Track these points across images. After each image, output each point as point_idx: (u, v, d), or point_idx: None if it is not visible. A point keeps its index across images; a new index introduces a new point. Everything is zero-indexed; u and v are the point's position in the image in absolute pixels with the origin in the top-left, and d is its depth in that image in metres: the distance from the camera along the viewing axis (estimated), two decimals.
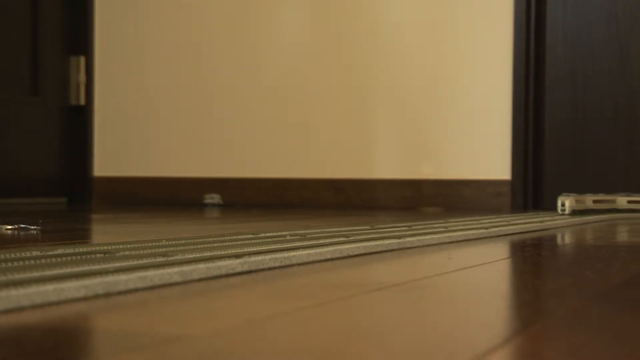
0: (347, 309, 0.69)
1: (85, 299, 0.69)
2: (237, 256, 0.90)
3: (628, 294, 0.80)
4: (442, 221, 1.78)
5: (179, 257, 0.89)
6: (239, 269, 0.87)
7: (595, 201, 2.36)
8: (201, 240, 1.11)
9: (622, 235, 1.68)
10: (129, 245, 1.01)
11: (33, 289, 0.66)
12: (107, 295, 0.71)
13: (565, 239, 1.54)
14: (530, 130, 2.73)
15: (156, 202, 3.04)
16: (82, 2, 3.14)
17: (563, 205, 2.22)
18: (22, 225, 1.43)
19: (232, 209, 2.77)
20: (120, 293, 0.72)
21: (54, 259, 0.85)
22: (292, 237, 1.19)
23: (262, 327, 0.60)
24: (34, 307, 0.65)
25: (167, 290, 0.76)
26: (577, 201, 2.28)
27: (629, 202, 2.43)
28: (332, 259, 1.03)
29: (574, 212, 2.23)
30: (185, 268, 0.81)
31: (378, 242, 1.15)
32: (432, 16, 2.81)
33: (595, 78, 2.73)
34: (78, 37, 3.15)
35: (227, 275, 0.85)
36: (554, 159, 2.75)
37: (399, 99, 2.83)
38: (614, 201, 2.41)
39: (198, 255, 0.91)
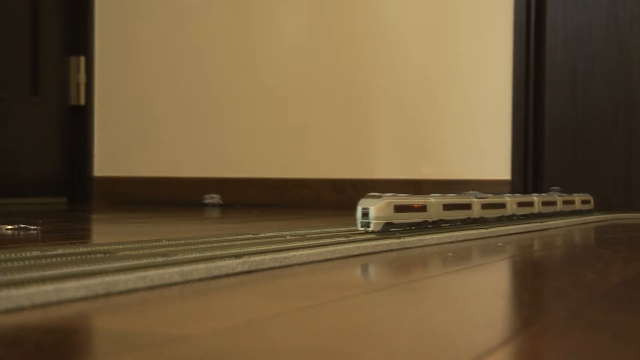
0: (347, 309, 0.69)
1: (85, 299, 0.69)
2: (237, 256, 0.90)
3: (628, 294, 0.80)
4: None
5: (179, 257, 0.89)
6: (239, 269, 0.87)
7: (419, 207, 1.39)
8: (201, 240, 1.11)
9: None
10: (129, 245, 1.01)
11: (33, 289, 0.66)
12: (107, 295, 0.71)
13: (564, 239, 1.54)
14: (530, 130, 2.73)
15: (156, 202, 3.04)
16: (82, 2, 3.14)
17: (366, 215, 1.27)
18: (22, 225, 1.43)
19: (232, 209, 2.77)
20: (120, 293, 0.72)
21: (54, 259, 0.85)
22: (292, 237, 1.19)
23: (262, 327, 0.60)
24: (34, 307, 0.65)
25: (167, 290, 0.76)
26: (398, 207, 1.31)
27: (484, 206, 1.62)
28: (332, 259, 1.03)
29: (391, 227, 1.30)
30: (185, 268, 0.81)
31: (378, 242, 1.15)
32: (431, 16, 2.81)
33: (595, 78, 2.73)
34: (78, 37, 3.15)
35: (227, 275, 0.85)
36: (554, 159, 2.75)
37: (399, 99, 2.83)
38: (469, 205, 1.57)
39: (198, 255, 0.91)
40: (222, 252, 0.94)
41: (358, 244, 1.11)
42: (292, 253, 0.97)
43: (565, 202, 2.12)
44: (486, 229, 1.50)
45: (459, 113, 2.77)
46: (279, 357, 0.50)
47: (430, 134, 2.80)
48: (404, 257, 1.10)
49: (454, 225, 1.51)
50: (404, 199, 1.35)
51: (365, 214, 1.27)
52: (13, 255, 0.88)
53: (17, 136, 2.95)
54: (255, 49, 2.99)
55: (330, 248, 1.05)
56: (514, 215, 1.77)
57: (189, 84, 3.07)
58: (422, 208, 1.40)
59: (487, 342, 0.55)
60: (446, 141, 2.78)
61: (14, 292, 0.64)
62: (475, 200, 1.61)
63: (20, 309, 0.64)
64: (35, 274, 0.74)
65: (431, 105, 2.80)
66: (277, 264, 0.93)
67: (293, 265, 0.95)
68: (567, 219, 1.96)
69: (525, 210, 1.84)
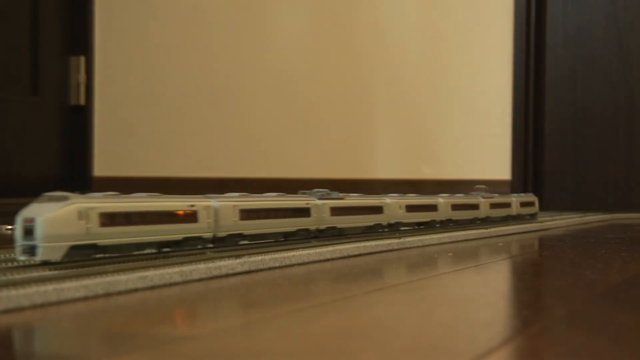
0: (347, 309, 0.69)
1: (85, 299, 0.69)
2: (237, 256, 0.90)
3: (628, 294, 0.80)
4: None
5: (179, 257, 0.89)
6: (239, 269, 0.87)
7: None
8: None
9: None
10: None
11: (33, 289, 0.66)
12: (107, 295, 0.71)
13: (564, 239, 1.54)
14: (530, 130, 2.73)
15: None
16: (82, 2, 3.14)
17: (30, 234, 0.77)
18: None
19: None
20: (120, 293, 0.72)
21: None
22: None
23: (262, 327, 0.60)
24: (34, 307, 0.65)
25: (167, 290, 0.76)
26: (106, 217, 0.81)
27: (336, 211, 1.19)
28: (332, 259, 1.03)
29: (94, 252, 0.81)
30: (185, 268, 0.81)
31: (378, 242, 1.15)
32: (431, 16, 2.81)
33: (595, 78, 2.72)
34: (78, 37, 3.15)
35: (227, 275, 0.85)
36: (554, 159, 2.75)
37: (399, 99, 2.83)
38: (307, 211, 1.13)
39: (198, 255, 0.91)
40: (222, 252, 0.94)
41: (358, 244, 1.11)
42: (292, 253, 0.97)
43: (493, 206, 1.64)
44: (486, 229, 1.50)
45: (459, 113, 2.77)
46: (278, 358, 0.50)
47: (430, 133, 2.80)
48: (405, 257, 1.10)
49: (289, 240, 1.09)
50: (106, 200, 0.80)
51: (29, 231, 0.76)
52: (13, 255, 0.88)
53: (17, 136, 2.95)
54: (256, 49, 2.99)
55: (330, 248, 1.05)
56: (399, 223, 1.34)
57: (189, 84, 3.07)
58: (192, 216, 0.86)
59: (487, 342, 0.55)
60: (446, 141, 2.78)
61: (14, 292, 0.64)
62: (318, 202, 1.13)
63: (20, 309, 0.64)
64: (35, 274, 0.74)
65: (431, 105, 2.80)
66: (277, 264, 0.93)
67: (293, 265, 0.95)
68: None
69: (424, 217, 1.41)
